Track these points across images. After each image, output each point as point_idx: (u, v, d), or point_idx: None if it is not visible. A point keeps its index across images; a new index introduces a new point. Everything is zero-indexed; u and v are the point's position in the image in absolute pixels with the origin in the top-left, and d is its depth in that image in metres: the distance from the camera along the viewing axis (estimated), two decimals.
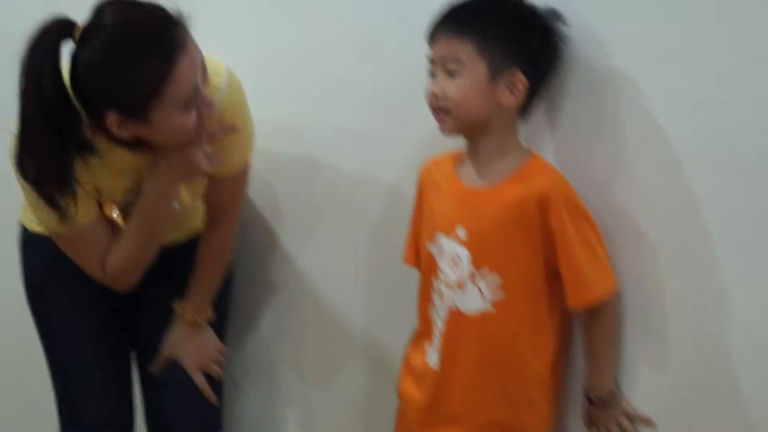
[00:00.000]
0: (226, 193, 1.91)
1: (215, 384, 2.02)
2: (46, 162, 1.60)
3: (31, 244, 1.93)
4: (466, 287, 1.60)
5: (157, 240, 1.82)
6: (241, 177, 1.90)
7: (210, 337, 2.01)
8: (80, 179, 1.65)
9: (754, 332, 1.46)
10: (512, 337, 1.60)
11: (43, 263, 1.92)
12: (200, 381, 1.99)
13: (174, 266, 1.94)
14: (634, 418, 1.60)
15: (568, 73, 1.62)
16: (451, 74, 1.56)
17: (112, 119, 1.58)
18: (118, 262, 1.79)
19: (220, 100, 1.72)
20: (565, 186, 1.58)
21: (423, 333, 1.71)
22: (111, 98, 1.57)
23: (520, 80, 1.55)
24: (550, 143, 1.67)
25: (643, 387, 1.60)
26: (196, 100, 1.61)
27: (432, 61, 1.60)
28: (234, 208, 1.96)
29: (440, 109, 1.58)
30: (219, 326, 2.04)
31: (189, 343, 1.97)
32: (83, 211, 1.71)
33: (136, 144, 1.67)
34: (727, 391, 1.50)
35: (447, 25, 1.58)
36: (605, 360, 1.61)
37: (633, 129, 1.56)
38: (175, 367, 1.98)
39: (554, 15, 1.60)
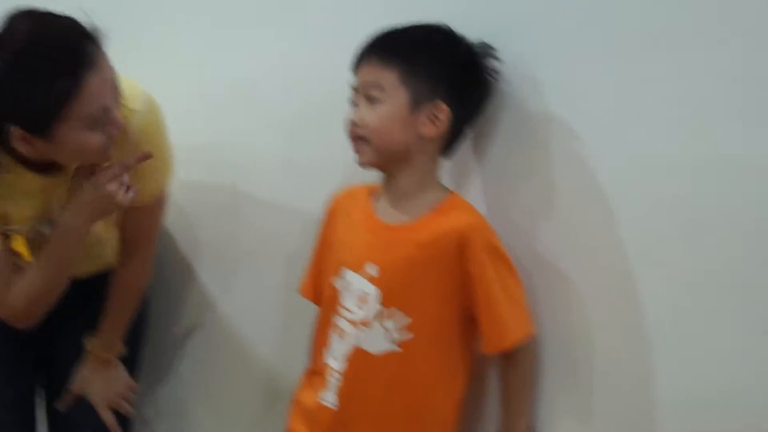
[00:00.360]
0: (142, 223, 1.84)
1: (124, 422, 1.95)
2: None
3: None
4: (372, 326, 1.54)
5: (65, 277, 1.74)
6: (157, 206, 1.84)
7: (120, 373, 1.94)
8: None
9: (679, 382, 1.43)
10: (419, 380, 1.55)
11: None
12: (109, 419, 1.91)
13: (87, 299, 1.87)
14: None
15: (500, 111, 1.58)
16: (372, 102, 1.52)
17: (16, 134, 1.52)
18: (21, 298, 1.71)
19: (136, 123, 1.67)
20: (485, 228, 1.54)
21: (316, 372, 1.64)
22: (15, 112, 1.51)
23: (443, 112, 1.51)
24: (477, 182, 1.63)
25: None
26: (106, 120, 1.55)
27: (355, 90, 1.56)
28: (149, 240, 1.89)
29: (359, 137, 1.54)
30: (131, 362, 1.97)
31: (98, 380, 1.90)
32: None
33: (43, 164, 1.61)
34: None
35: (372, 52, 1.55)
36: (519, 406, 1.56)
37: (563, 172, 1.53)
38: (83, 405, 1.90)
39: (486, 50, 1.56)
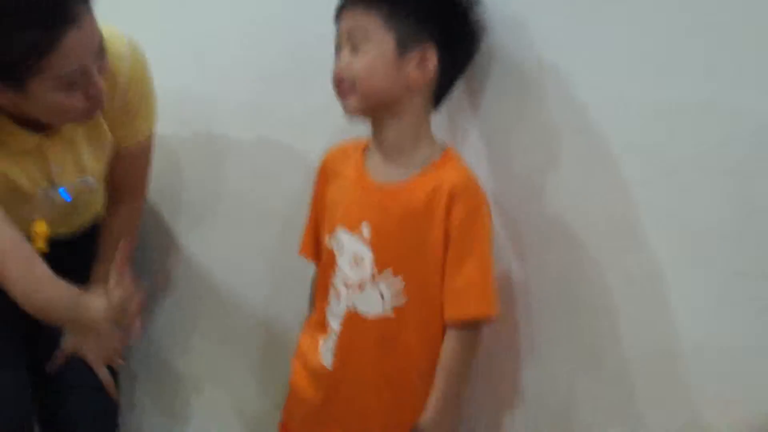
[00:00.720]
0: (131, 170, 1.82)
1: (114, 377, 1.92)
2: None
3: None
4: (366, 289, 1.51)
5: (62, 321, 1.71)
6: (145, 151, 1.81)
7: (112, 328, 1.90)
8: None
9: (688, 332, 1.41)
10: (412, 345, 1.51)
11: None
12: (105, 376, 1.88)
13: (78, 256, 1.84)
14: None
15: (490, 62, 1.54)
16: (357, 48, 1.46)
17: None
18: (25, 286, 1.59)
19: (124, 68, 1.64)
20: (475, 189, 1.49)
21: (319, 326, 1.60)
22: None
23: (431, 56, 1.47)
24: (475, 135, 1.59)
25: None
26: (84, 82, 1.49)
27: (339, 39, 1.50)
28: (139, 188, 1.87)
29: (344, 84, 1.48)
30: None
31: (92, 337, 1.87)
32: None
33: (33, 122, 1.56)
34: None
35: None
36: (450, 388, 1.50)
37: (559, 121, 1.50)
38: (73, 367, 1.87)
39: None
